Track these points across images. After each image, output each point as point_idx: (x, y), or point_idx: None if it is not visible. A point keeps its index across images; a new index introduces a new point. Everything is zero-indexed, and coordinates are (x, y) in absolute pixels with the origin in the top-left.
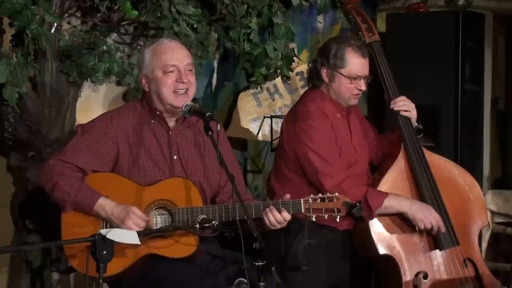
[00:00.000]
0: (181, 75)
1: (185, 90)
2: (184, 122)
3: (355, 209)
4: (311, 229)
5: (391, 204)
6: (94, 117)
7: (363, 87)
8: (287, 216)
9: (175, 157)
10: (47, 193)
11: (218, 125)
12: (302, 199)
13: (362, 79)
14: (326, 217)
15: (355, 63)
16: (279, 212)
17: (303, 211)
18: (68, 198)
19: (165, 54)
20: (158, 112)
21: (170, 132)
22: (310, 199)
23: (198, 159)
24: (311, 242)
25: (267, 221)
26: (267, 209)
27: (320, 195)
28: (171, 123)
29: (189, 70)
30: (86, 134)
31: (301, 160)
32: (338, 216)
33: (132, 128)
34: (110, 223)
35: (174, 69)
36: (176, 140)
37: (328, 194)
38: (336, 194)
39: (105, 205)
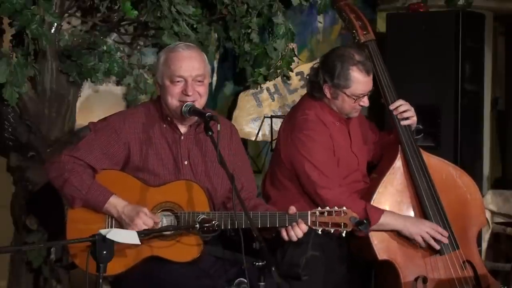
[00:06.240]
0: (187, 87)
1: (192, 101)
2: (197, 128)
3: (362, 225)
4: (315, 241)
5: (387, 221)
6: (98, 115)
7: (366, 103)
8: (304, 227)
9: (185, 162)
10: (56, 188)
11: (219, 125)
12: (309, 212)
13: (366, 95)
14: (332, 231)
15: (360, 83)
16: (297, 223)
17: (309, 224)
18: (79, 194)
19: (174, 64)
20: (168, 118)
21: (182, 137)
22: (317, 212)
23: (208, 165)
24: (315, 254)
25: (291, 233)
26: (294, 223)
27: (327, 208)
28: (183, 128)
29: (199, 81)
30: (98, 133)
31: (298, 171)
32: (345, 231)
33: (144, 130)
34: (120, 222)
35: (181, 80)
36: (188, 145)
37: (336, 208)
38: (344, 208)
39: (116, 204)
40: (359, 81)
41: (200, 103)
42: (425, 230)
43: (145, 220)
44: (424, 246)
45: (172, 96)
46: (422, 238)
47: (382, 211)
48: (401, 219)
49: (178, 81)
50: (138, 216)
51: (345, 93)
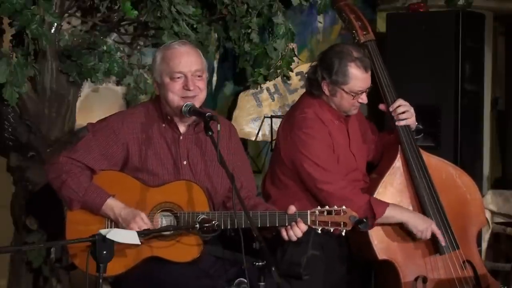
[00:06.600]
0: (187, 82)
1: (193, 96)
2: (196, 127)
3: (362, 224)
4: (315, 240)
5: (392, 214)
6: (98, 115)
7: (365, 100)
8: (304, 227)
9: (184, 162)
10: (54, 190)
11: (219, 125)
12: (309, 211)
13: (364, 92)
14: (332, 230)
15: (358, 80)
16: (296, 223)
17: (309, 223)
18: (76, 197)
19: (172, 61)
20: (168, 117)
21: (181, 137)
22: (316, 211)
23: (208, 164)
24: (315, 254)
25: (291, 233)
26: (293, 223)
27: (327, 207)
28: (182, 128)
29: (198, 76)
30: (97, 134)
31: (298, 169)
32: (344, 230)
33: (143, 130)
34: (117, 224)
35: (181, 76)
36: (187, 145)
37: (335, 207)
38: (344, 207)
39: (114, 206)
40: (357, 77)
41: (200, 97)
42: (429, 226)
43: (141, 226)
44: (426, 240)
45: (173, 93)
46: (426, 233)
47: (387, 204)
48: (406, 212)
49: (178, 77)
50: (134, 221)
51: (343, 90)
